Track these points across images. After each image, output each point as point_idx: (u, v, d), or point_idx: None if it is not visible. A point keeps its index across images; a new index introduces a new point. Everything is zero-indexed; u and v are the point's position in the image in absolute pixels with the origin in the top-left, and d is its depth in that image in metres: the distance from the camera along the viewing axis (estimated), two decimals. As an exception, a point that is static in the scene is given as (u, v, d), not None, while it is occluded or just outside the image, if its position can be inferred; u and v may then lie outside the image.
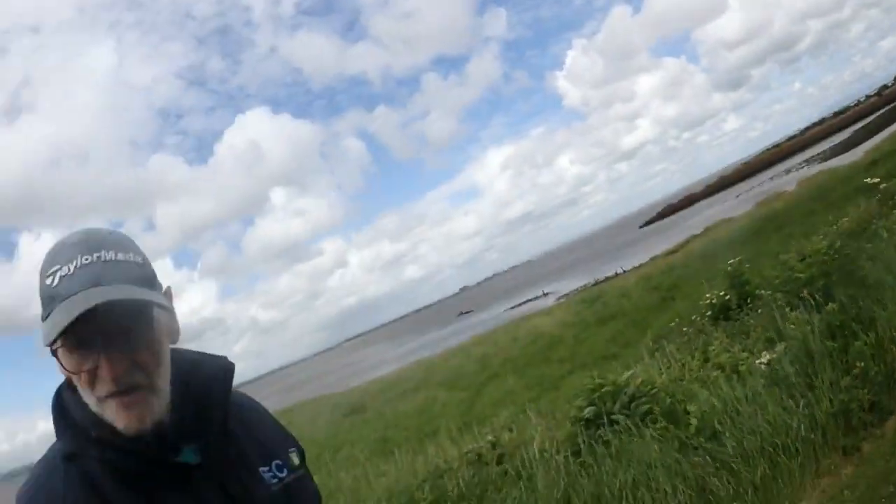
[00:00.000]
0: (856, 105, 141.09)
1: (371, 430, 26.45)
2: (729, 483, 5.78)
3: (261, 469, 1.78)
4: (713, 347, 8.99)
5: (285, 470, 1.82)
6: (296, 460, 1.89)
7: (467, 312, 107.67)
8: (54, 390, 1.69)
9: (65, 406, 1.64)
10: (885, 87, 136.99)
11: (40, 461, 1.65)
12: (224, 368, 1.82)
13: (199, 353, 1.86)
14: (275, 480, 1.78)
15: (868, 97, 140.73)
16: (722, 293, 12.81)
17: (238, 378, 1.87)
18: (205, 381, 1.75)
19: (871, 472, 5.57)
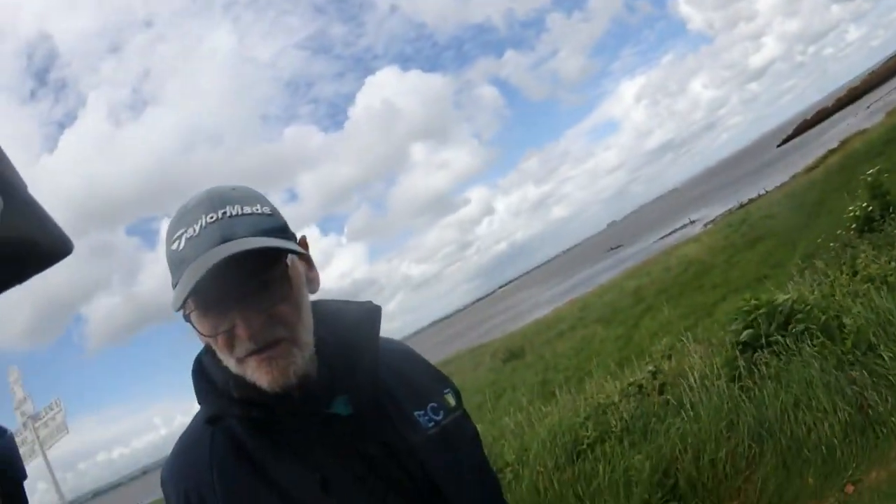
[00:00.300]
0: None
1: (531, 373, 26.34)
2: (887, 399, 5.71)
3: (416, 413, 1.73)
4: (860, 260, 8.92)
5: (442, 412, 1.77)
6: (452, 401, 1.84)
7: (616, 247, 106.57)
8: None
9: (205, 370, 1.65)
10: None
11: (186, 429, 1.67)
12: (370, 312, 1.78)
13: (342, 300, 1.84)
14: (431, 424, 1.73)
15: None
16: (864, 205, 12.66)
17: (397, 333, 1.90)
18: (350, 327, 1.72)
19: None
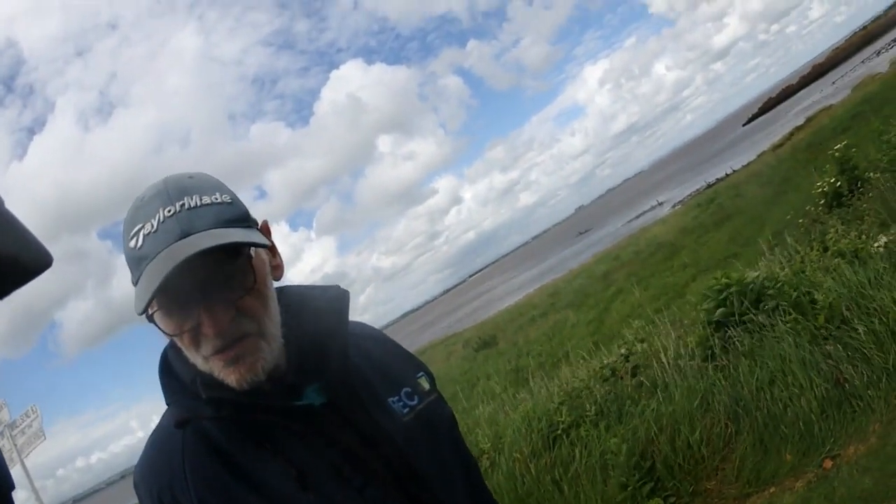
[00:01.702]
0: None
1: (504, 360, 26.54)
2: (863, 373, 5.75)
3: (389, 400, 1.71)
4: (830, 235, 8.96)
5: (416, 397, 1.76)
6: (426, 385, 1.83)
7: (585, 232, 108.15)
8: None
9: (171, 368, 1.59)
10: None
11: (154, 430, 1.61)
12: (337, 296, 1.73)
13: (307, 286, 1.79)
14: (406, 410, 1.71)
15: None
16: (832, 180, 12.73)
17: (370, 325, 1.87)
18: (318, 313, 1.67)
19: None
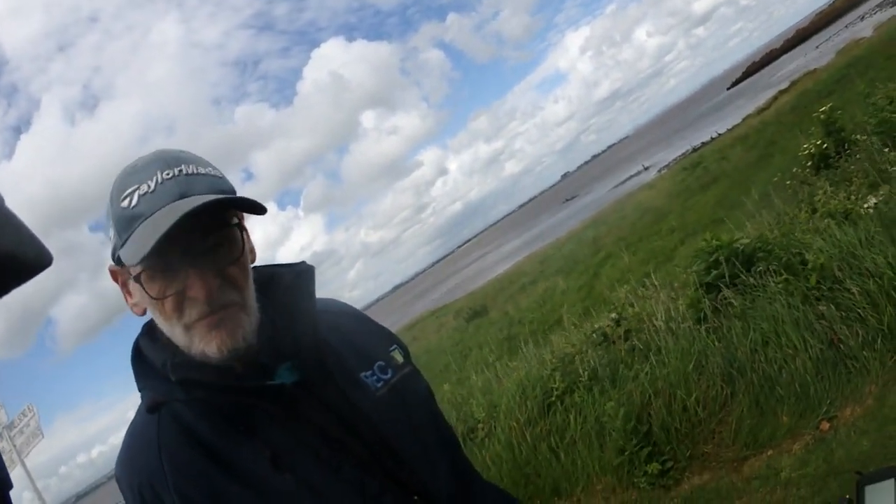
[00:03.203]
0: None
1: (496, 330, 26.47)
2: (858, 333, 5.76)
3: (362, 375, 1.70)
4: (818, 197, 8.93)
5: (389, 371, 1.75)
6: (399, 358, 1.81)
7: (572, 198, 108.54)
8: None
9: (143, 354, 1.58)
10: None
11: (132, 420, 1.61)
12: (303, 273, 1.73)
13: (274, 265, 1.78)
14: (379, 384, 1.70)
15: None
16: (819, 142, 12.71)
17: (359, 301, 1.85)
18: (286, 291, 1.68)
19: None
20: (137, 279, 1.47)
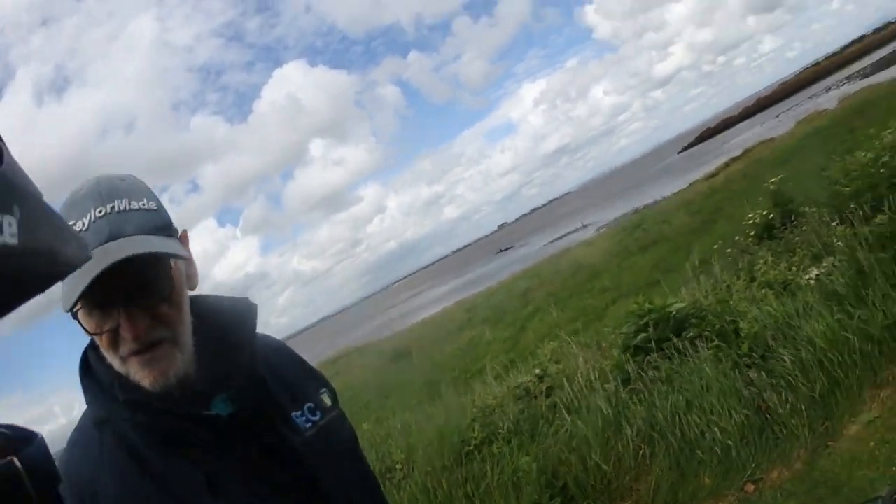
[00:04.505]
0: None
1: (418, 373, 26.12)
2: (787, 399, 5.84)
3: (293, 414, 1.73)
4: (759, 266, 8.96)
5: (318, 412, 1.78)
6: (327, 401, 1.85)
7: (506, 249, 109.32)
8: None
9: (91, 368, 1.60)
10: None
11: (75, 429, 1.61)
12: (246, 309, 1.76)
13: (217, 297, 1.81)
14: (308, 425, 1.74)
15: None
16: (765, 212, 12.78)
17: (286, 329, 1.84)
18: (227, 325, 1.70)
19: None
20: (74, 316, 1.49)
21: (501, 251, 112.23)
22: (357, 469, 1.86)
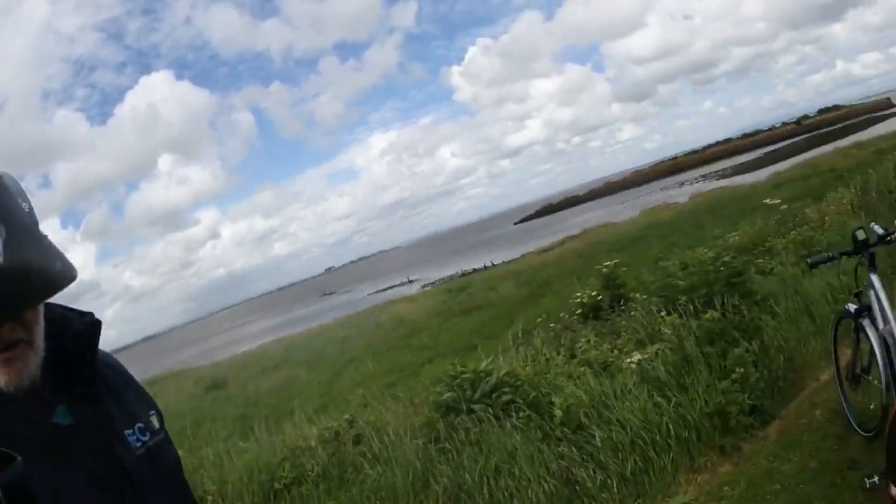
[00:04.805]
0: (769, 130, 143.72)
1: (232, 406, 26.55)
2: (596, 475, 5.93)
3: (126, 432, 1.71)
4: (581, 344, 9.10)
5: (148, 433, 1.77)
6: (156, 423, 1.84)
7: (331, 293, 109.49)
8: None
9: None
10: (805, 116, 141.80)
11: None
12: (91, 325, 1.74)
13: (64, 307, 1.76)
14: (139, 444, 1.71)
15: (785, 124, 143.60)
16: (594, 293, 13.08)
17: (110, 344, 1.75)
18: (73, 337, 1.68)
19: (753, 470, 5.75)
20: None
21: (326, 294, 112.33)
22: (182, 493, 1.87)
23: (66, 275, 1.39)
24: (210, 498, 7.96)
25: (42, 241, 1.38)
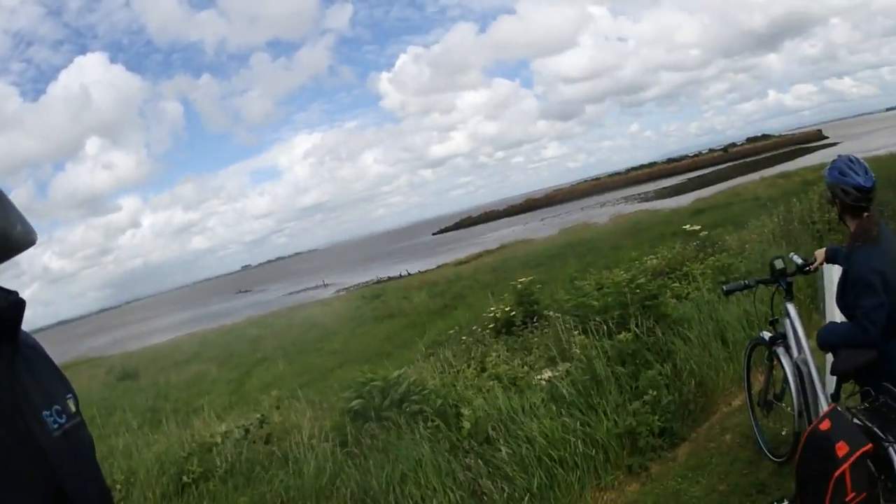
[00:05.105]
0: (695, 156, 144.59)
1: (143, 397, 26.24)
2: (503, 488, 5.97)
3: (44, 413, 1.68)
4: (491, 359, 9.20)
5: (64, 416, 1.74)
6: (73, 407, 1.80)
7: (245, 291, 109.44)
8: None
9: None
10: (733, 144, 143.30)
11: None
12: (15, 304, 1.68)
13: None
14: (55, 426, 1.69)
15: (712, 151, 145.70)
16: (507, 308, 13.16)
17: (28, 325, 1.76)
18: None
19: (660, 490, 5.88)
20: None
21: (240, 292, 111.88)
22: (95, 479, 1.83)
23: (27, 238, 1.40)
24: (118, 487, 7.87)
25: (4, 202, 1.38)
